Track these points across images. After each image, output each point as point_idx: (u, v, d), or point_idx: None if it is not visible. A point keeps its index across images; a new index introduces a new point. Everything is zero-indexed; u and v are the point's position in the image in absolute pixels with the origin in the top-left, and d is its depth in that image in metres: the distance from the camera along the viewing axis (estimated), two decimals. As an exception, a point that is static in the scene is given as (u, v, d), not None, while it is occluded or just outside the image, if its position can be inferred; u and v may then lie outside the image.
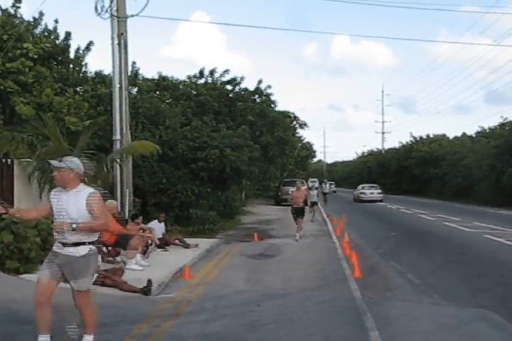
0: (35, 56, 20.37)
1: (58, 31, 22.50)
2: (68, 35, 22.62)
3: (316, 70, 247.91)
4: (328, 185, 51.80)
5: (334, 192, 77.39)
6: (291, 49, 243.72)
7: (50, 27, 22.41)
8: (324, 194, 47.71)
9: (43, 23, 22.26)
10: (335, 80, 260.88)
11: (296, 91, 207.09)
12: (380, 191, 55.58)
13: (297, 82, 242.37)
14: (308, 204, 24.70)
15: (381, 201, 52.24)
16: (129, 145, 18.61)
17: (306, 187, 36.91)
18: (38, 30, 22.11)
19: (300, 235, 20.93)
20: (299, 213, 21.61)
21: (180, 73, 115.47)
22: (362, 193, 55.09)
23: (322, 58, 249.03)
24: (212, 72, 34.19)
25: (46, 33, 22.16)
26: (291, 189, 45.26)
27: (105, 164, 17.55)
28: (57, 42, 22.30)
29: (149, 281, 10.95)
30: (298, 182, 25.50)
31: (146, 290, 10.63)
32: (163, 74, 32.42)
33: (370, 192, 55.02)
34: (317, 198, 32.97)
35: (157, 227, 17.30)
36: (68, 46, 22.75)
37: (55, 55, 21.91)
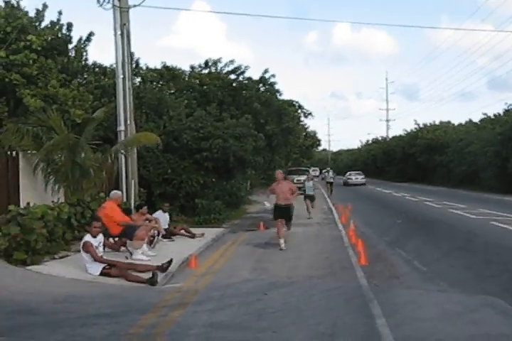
0: (39, 48, 20.36)
1: (61, 23, 22.49)
2: (70, 26, 22.60)
3: (318, 58, 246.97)
4: (331, 173, 47.02)
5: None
6: (292, 37, 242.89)
7: (53, 18, 22.42)
8: (329, 183, 44.34)
9: (46, 14, 22.27)
10: (336, 68, 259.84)
11: (298, 79, 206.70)
12: (363, 176, 65.22)
13: (299, 70, 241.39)
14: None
15: (364, 184, 62.40)
16: (133, 137, 18.65)
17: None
18: (41, 22, 22.08)
19: (283, 242, 15.79)
20: (283, 213, 16.10)
21: (181, 63, 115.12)
22: (349, 178, 65.33)
23: (323, 46, 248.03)
24: (216, 62, 34.18)
25: (49, 25, 22.15)
26: (297, 177, 45.43)
27: (110, 155, 17.59)
28: (59, 34, 22.29)
29: (154, 273, 11.03)
30: (277, 172, 16.97)
31: (152, 281, 10.71)
32: (166, 64, 32.40)
33: (355, 177, 64.92)
34: (313, 191, 27.09)
35: (162, 217, 17.33)
36: (70, 37, 22.75)
37: (57, 46, 21.89)
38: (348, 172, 70.62)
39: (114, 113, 20.07)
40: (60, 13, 22.47)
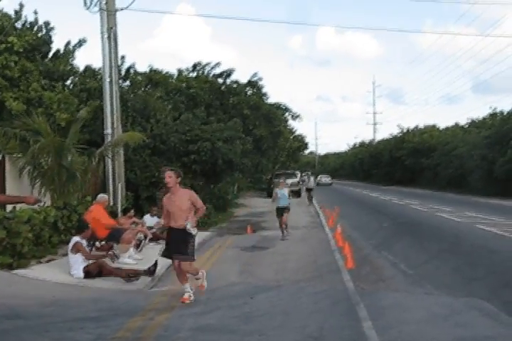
0: (21, 49, 20.26)
1: (40, 23, 22.38)
2: (48, 25, 22.44)
3: (302, 62, 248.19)
4: (312, 179, 42.73)
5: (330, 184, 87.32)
6: (277, 41, 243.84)
7: (31, 19, 22.32)
8: (308, 190, 39.83)
9: (23, 15, 22.14)
10: (321, 72, 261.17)
11: (283, 83, 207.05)
12: (330, 178, 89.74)
13: (284, 73, 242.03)
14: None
15: (330, 184, 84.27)
16: (118, 138, 18.62)
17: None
18: (19, 24, 21.95)
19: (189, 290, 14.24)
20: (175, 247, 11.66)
21: (165, 66, 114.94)
22: (319, 180, 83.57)
23: (308, 50, 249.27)
24: (204, 66, 34.23)
25: (28, 26, 22.03)
26: (290, 180, 45.59)
27: (95, 158, 17.55)
28: (39, 34, 22.17)
29: (155, 262, 11.44)
30: (167, 173, 10.31)
31: (151, 270, 10.94)
32: (150, 67, 32.37)
33: (324, 179, 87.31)
34: (288, 202, 19.27)
35: (150, 221, 17.29)
36: (50, 37, 22.58)
37: (38, 47, 21.77)
38: (320, 175, 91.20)
39: (100, 116, 20.03)
40: (35, 12, 22.36)
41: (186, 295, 9.34)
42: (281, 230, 18.88)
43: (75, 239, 11.64)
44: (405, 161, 65.39)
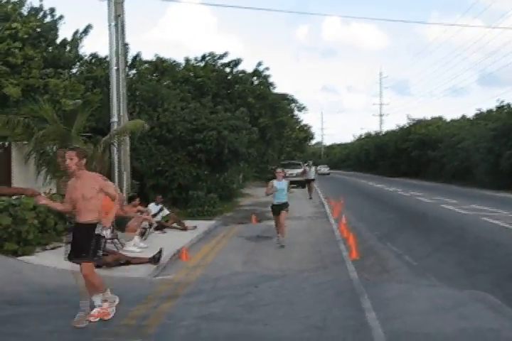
0: (25, 36, 20.21)
1: (44, 9, 22.36)
2: (52, 11, 22.41)
3: (308, 52, 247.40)
4: (313, 169, 38.34)
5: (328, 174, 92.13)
6: (283, 31, 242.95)
7: (36, 5, 22.27)
8: (308, 182, 36.01)
9: (28, 1, 22.10)
10: (327, 62, 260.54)
11: (289, 73, 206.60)
12: (328, 168, 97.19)
13: (289, 64, 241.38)
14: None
15: (328, 174, 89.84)
16: (122, 126, 18.59)
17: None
18: (24, 10, 21.90)
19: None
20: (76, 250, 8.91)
21: (171, 55, 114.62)
22: (319, 170, 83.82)
23: (313, 40, 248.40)
24: (212, 56, 34.20)
25: (33, 12, 21.97)
26: (289, 171, 45.35)
27: (99, 146, 17.53)
28: (44, 21, 22.11)
29: (160, 250, 11.64)
30: (68, 153, 8.49)
31: (156, 258, 11.02)
32: (157, 56, 32.34)
33: (323, 169, 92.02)
34: (286, 196, 15.49)
35: (154, 209, 17.34)
36: (55, 23, 22.54)
37: (43, 33, 21.72)
38: (319, 166, 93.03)
39: (106, 104, 20.01)
40: None
41: (94, 311, 7.56)
42: (277, 231, 15.28)
43: None
44: (411, 153, 65.19)
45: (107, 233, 7.72)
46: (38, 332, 6.97)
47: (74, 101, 18.51)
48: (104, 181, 7.87)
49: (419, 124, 69.78)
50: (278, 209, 15.18)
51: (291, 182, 40.06)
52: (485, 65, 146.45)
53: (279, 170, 15.81)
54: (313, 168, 39.22)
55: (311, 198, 33.04)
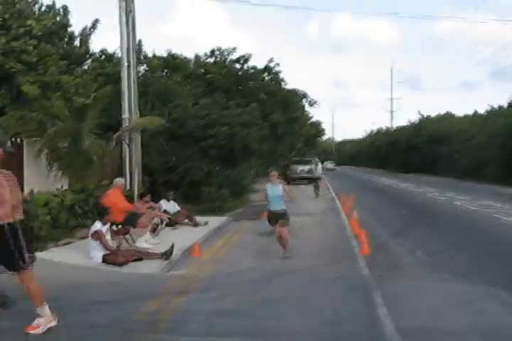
0: (39, 33, 20.26)
1: (57, 7, 22.41)
2: (66, 9, 22.45)
3: (318, 48, 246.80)
4: (319, 167, 37.29)
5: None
6: (293, 26, 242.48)
7: (49, 2, 22.32)
8: (314, 180, 34.37)
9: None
10: (338, 58, 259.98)
11: (299, 69, 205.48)
12: (334, 164, 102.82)
13: (300, 59, 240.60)
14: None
15: (334, 169, 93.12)
16: (136, 122, 18.60)
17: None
18: (37, 7, 21.96)
19: None
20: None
21: (181, 50, 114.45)
22: (326, 165, 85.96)
23: (324, 36, 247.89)
24: (222, 52, 34.18)
25: (46, 9, 22.02)
26: (300, 167, 45.30)
27: (111, 142, 17.58)
28: (57, 18, 22.16)
29: (172, 245, 11.75)
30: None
31: (167, 254, 11.05)
32: (168, 52, 32.36)
33: (329, 165, 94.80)
34: (283, 204, 13.01)
35: (166, 206, 17.38)
36: (68, 21, 22.59)
37: (56, 31, 21.78)
38: (325, 162, 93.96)
39: (117, 100, 20.04)
40: None
41: (34, 323, 6.89)
42: (280, 243, 12.78)
43: (96, 226, 11.70)
44: (423, 149, 64.98)
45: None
46: (50, 328, 6.98)
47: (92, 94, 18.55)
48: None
49: (429, 120, 69.58)
50: (274, 218, 12.67)
51: (302, 179, 39.83)
52: (497, 59, 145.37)
53: (273, 172, 12.92)
54: (319, 166, 37.06)
55: (316, 197, 31.17)
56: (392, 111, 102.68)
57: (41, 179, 15.81)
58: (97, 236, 11.47)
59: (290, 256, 12.43)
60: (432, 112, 75.23)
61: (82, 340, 6.66)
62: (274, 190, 12.58)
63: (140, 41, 28.03)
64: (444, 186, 40.00)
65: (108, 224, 12.09)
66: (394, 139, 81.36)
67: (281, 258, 12.35)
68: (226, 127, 23.51)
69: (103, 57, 25.28)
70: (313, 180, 35.88)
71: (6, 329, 6.90)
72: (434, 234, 16.50)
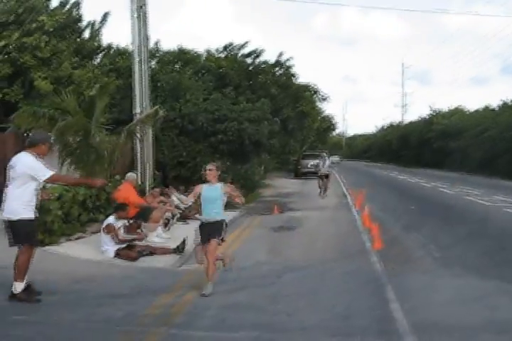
0: (51, 29, 20.31)
1: (70, 2, 22.42)
2: (77, 4, 22.49)
3: (328, 42, 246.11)
4: (328, 162, 30.06)
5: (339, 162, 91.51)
6: (302, 21, 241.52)
7: None
8: (322, 177, 28.59)
9: None
10: (348, 52, 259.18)
11: (309, 63, 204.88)
12: (339, 158, 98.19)
13: (309, 54, 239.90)
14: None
15: (339, 162, 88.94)
16: (142, 116, 18.63)
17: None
18: (48, 3, 22.00)
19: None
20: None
21: (190, 44, 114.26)
22: (332, 159, 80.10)
23: (333, 29, 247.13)
24: (233, 46, 34.17)
25: (59, 4, 22.07)
26: (311, 162, 45.14)
27: (122, 137, 17.57)
28: (70, 13, 22.19)
29: (183, 239, 11.78)
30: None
31: (180, 249, 11.14)
32: (179, 47, 32.34)
33: (335, 159, 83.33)
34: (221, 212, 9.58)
35: (177, 200, 17.40)
36: (80, 16, 22.63)
37: (68, 25, 21.82)
38: (331, 156, 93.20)
39: (129, 95, 20.08)
40: None
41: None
42: (206, 273, 8.79)
43: (109, 220, 11.77)
44: (434, 143, 64.80)
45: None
46: (65, 321, 7.05)
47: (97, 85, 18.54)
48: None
49: (440, 114, 69.34)
50: (205, 232, 9.18)
51: (312, 173, 39.59)
52: (508, 54, 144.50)
53: (210, 166, 9.34)
54: (327, 161, 30.39)
55: (322, 196, 27.55)
56: (403, 106, 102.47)
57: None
58: (109, 229, 11.53)
59: (207, 294, 8.44)
60: (443, 107, 74.52)
61: (96, 334, 6.70)
62: (210, 192, 9.16)
63: (149, 36, 28.04)
64: (455, 180, 39.83)
65: (125, 220, 12.20)
66: (405, 134, 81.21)
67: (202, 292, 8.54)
68: (235, 122, 23.51)
69: (114, 51, 25.30)
70: (319, 178, 29.20)
71: (21, 322, 6.96)
72: (446, 228, 16.46)
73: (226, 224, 9.39)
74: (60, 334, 6.63)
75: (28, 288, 7.85)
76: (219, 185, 9.21)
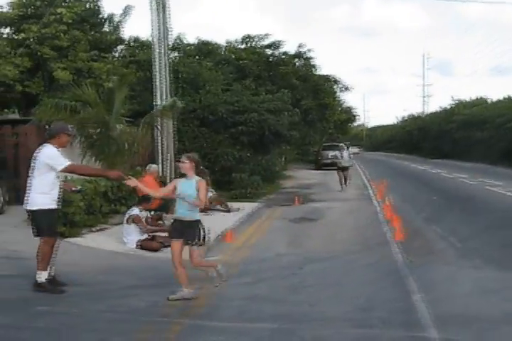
0: (70, 21, 20.41)
1: None
2: None
3: (348, 32, 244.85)
4: (346, 154, 27.70)
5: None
6: (322, 11, 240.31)
7: None
8: (341, 170, 26.52)
9: None
10: (368, 42, 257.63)
11: (330, 54, 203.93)
12: (358, 149, 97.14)
13: (330, 44, 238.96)
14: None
15: (358, 153, 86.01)
16: (163, 105, 18.69)
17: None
18: None
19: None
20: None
21: (210, 36, 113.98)
22: (351, 150, 79.00)
23: (354, 20, 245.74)
24: (253, 38, 34.17)
25: None
26: (331, 153, 44.93)
27: (143, 128, 17.62)
28: (88, 5, 22.31)
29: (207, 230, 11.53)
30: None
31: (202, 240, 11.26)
32: (199, 39, 32.41)
33: (354, 150, 79.80)
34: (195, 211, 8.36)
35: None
36: (98, 8, 22.71)
37: (87, 18, 21.91)
38: (351, 147, 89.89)
39: (149, 87, 20.15)
40: None
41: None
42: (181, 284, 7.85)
43: (133, 211, 11.86)
44: (455, 134, 64.29)
45: None
46: (89, 312, 7.13)
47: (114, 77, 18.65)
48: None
49: (461, 105, 68.81)
50: (178, 230, 8.03)
51: (333, 164, 39.22)
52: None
53: (183, 158, 8.23)
54: (345, 153, 28.36)
55: (341, 190, 25.85)
56: (424, 97, 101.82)
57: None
58: (137, 220, 11.64)
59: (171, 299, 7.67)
60: (464, 97, 73.91)
61: (121, 324, 6.76)
62: (185, 188, 7.98)
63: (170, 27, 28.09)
64: (476, 171, 39.43)
65: (147, 212, 12.31)
66: (426, 125, 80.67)
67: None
68: (255, 113, 23.53)
69: (134, 43, 25.39)
70: (338, 170, 27.16)
71: (45, 313, 7.05)
72: (467, 219, 16.34)
73: (201, 226, 8.17)
74: (84, 325, 6.71)
75: (52, 280, 7.96)
76: (194, 181, 8.00)
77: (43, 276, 7.87)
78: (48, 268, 7.97)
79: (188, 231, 7.90)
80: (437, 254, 11.50)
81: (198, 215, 8.16)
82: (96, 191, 14.05)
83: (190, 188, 7.88)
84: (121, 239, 11.74)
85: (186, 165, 8.02)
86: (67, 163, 8.19)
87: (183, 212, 7.99)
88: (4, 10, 21.49)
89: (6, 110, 23.74)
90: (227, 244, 12.43)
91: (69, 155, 15.77)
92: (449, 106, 74.74)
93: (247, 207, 18.66)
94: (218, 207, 17.66)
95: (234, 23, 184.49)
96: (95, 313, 7.07)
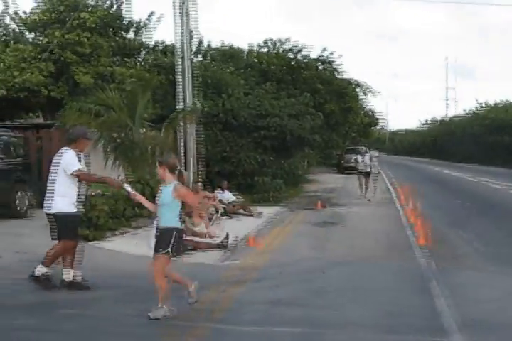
0: (93, 25, 20.58)
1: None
2: (118, 0, 22.71)
3: (373, 37, 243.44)
4: (367, 158, 26.04)
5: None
6: (346, 16, 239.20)
7: None
8: (363, 175, 24.66)
9: None
10: (390, 46, 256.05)
11: (353, 57, 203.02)
12: (378, 152, 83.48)
13: (354, 48, 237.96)
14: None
15: (378, 156, 74.88)
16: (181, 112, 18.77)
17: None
18: (91, 0, 22.31)
19: None
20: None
21: (232, 40, 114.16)
22: (372, 153, 75.55)
23: (378, 24, 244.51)
24: (275, 42, 34.21)
25: (100, 2, 22.35)
26: (354, 156, 44.71)
27: (167, 132, 17.69)
28: (110, 10, 22.47)
29: (226, 235, 11.98)
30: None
31: (223, 244, 11.69)
32: (222, 43, 32.50)
33: (375, 152, 76.70)
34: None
35: (220, 195, 17.48)
36: (121, 13, 22.86)
37: (110, 23, 22.07)
38: (372, 150, 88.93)
39: (171, 91, 20.24)
40: None
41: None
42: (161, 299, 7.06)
43: None
44: (480, 138, 63.74)
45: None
46: (116, 315, 7.15)
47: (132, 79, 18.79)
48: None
49: (486, 109, 68.17)
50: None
51: (351, 168, 38.82)
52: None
53: (160, 162, 7.35)
54: (367, 157, 26.76)
55: (363, 195, 24.09)
56: (447, 100, 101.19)
57: (98, 169, 16.02)
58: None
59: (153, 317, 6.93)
60: (489, 101, 73.25)
61: (146, 328, 6.76)
62: (162, 194, 7.24)
63: (193, 32, 28.19)
64: (502, 176, 39.02)
65: None
66: (450, 128, 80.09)
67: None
68: (276, 118, 23.54)
69: (158, 48, 25.51)
70: (361, 175, 25.03)
71: (70, 316, 7.07)
72: (492, 224, 16.20)
73: (177, 234, 7.10)
74: (109, 329, 6.73)
75: (72, 283, 8.04)
76: (171, 187, 7.11)
77: (42, 271, 8.04)
78: (68, 269, 8.14)
79: (161, 239, 7.08)
80: (461, 259, 11.43)
81: (176, 222, 7.18)
82: (119, 195, 14.11)
83: (165, 195, 7.11)
84: (145, 242, 11.73)
85: (159, 170, 7.20)
86: (75, 167, 8.16)
87: (160, 218, 7.30)
88: (29, 15, 21.73)
89: (30, 114, 24.00)
90: (249, 248, 12.42)
91: (93, 158, 15.97)
92: (474, 109, 74.05)
93: (269, 210, 18.66)
94: (241, 210, 17.67)
95: (256, 26, 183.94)
96: (122, 317, 7.09)
